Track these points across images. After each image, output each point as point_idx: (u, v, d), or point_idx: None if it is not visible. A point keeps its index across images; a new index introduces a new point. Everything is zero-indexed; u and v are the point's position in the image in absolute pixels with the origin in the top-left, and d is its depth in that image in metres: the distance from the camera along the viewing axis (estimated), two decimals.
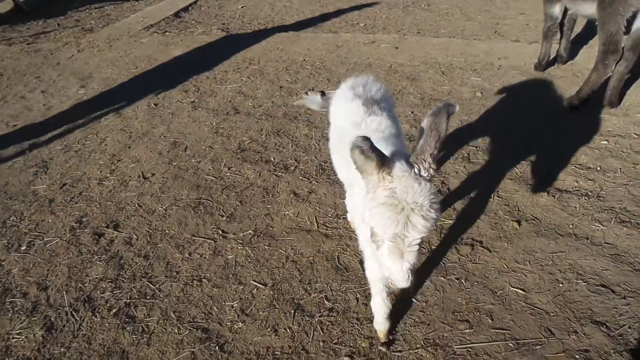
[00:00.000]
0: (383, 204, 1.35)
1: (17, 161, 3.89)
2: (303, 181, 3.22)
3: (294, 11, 7.33)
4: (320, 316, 2.26)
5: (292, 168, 3.39)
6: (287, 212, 2.95)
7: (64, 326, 2.35)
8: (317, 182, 3.21)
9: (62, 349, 2.23)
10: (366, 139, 1.35)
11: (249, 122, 4.07)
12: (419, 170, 1.41)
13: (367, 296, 2.30)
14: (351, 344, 2.12)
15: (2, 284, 2.64)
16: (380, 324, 2.05)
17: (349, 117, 1.99)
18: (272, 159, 3.53)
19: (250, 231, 2.83)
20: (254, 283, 2.48)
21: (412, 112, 3.96)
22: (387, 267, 1.42)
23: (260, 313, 2.30)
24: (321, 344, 2.13)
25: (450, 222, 2.76)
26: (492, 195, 2.93)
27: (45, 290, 2.57)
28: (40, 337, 2.29)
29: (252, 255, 2.66)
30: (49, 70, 5.77)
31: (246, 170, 3.41)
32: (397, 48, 5.23)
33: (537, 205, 2.83)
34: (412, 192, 1.35)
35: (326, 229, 2.78)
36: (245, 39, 6.06)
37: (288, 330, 2.21)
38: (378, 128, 1.88)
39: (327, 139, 3.73)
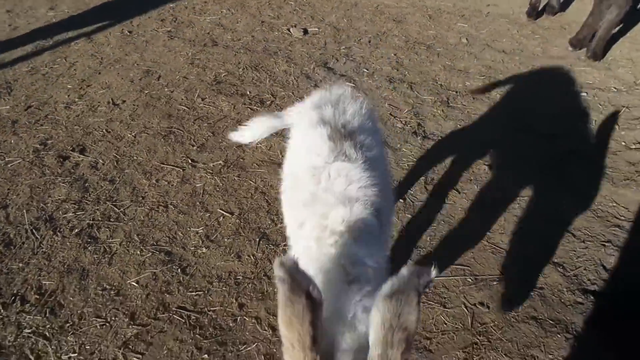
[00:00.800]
0: None
1: None
2: None
3: None
4: (284, 245, 2.25)
5: (268, 103, 3.30)
6: (260, 145, 2.89)
7: (22, 243, 2.30)
8: None
9: (20, 265, 2.19)
10: (294, 266, 0.83)
11: (226, 55, 3.91)
12: None
13: None
14: None
15: None
16: None
17: (306, 154, 1.37)
18: (248, 92, 3.42)
19: (220, 162, 2.77)
20: (221, 211, 2.45)
21: (394, 55, 3.86)
22: None
23: (225, 240, 2.29)
24: None
25: (423, 164, 2.75)
26: (468, 140, 2.92)
27: (5, 209, 2.50)
28: None
29: (221, 185, 2.62)
30: None
31: (220, 102, 3.31)
32: None
33: None
34: None
35: None
36: None
37: (252, 257, 2.21)
38: (344, 193, 1.22)
39: (307, 77, 3.65)
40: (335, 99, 1.52)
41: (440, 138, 2.94)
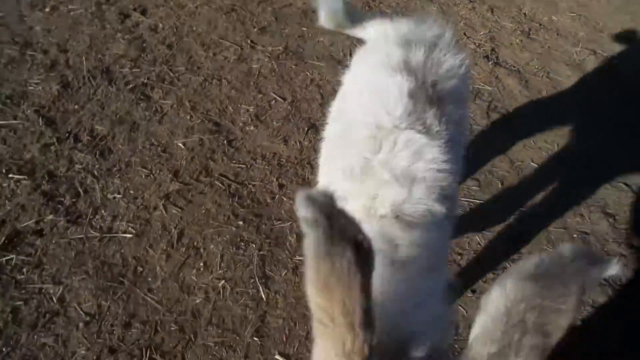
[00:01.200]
0: None
1: None
2: None
3: None
4: None
5: None
6: (322, 39, 2.76)
7: (79, 88, 2.33)
8: None
9: (76, 107, 2.23)
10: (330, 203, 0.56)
11: None
12: None
13: None
14: None
15: (23, 37, 2.57)
16: None
17: (371, 104, 1.03)
18: None
19: (280, 47, 2.68)
20: (274, 95, 2.40)
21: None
22: None
23: (274, 123, 2.26)
24: None
25: (490, 89, 2.60)
26: (542, 74, 2.72)
27: (65, 53, 2.51)
28: (56, 92, 2.29)
29: (277, 70, 2.55)
30: None
31: None
32: None
33: None
34: None
35: None
36: None
37: (298, 143, 2.18)
38: (407, 170, 0.94)
39: None
40: (431, 41, 1.10)
41: (513, 68, 2.75)
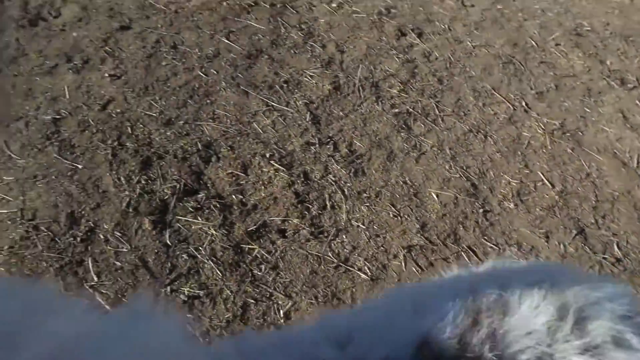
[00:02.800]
0: None
1: None
2: None
3: None
4: (604, 256, 1.86)
5: (630, 86, 2.69)
6: (607, 129, 2.38)
7: (348, 94, 2.29)
8: None
9: (341, 113, 2.20)
10: None
11: (596, 7, 3.27)
12: None
13: None
14: None
15: (308, 26, 2.63)
16: None
17: None
18: (608, 62, 2.83)
19: (556, 122, 2.38)
20: (541, 176, 2.12)
21: None
22: None
23: (537, 209, 1.98)
24: None
25: None
26: None
27: (342, 54, 2.51)
28: (327, 91, 2.28)
29: (550, 148, 2.25)
30: None
31: (574, 57, 2.80)
32: None
33: None
34: None
35: None
36: None
37: (562, 246, 1.87)
38: None
39: None
40: None
41: None
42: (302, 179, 1.89)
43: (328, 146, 2.03)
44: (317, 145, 2.02)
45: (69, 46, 2.27)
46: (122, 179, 1.78)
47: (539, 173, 2.12)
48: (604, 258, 1.83)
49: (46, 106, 1.99)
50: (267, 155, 1.94)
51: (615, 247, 1.89)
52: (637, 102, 2.56)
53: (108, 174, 1.78)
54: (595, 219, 1.98)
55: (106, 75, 2.16)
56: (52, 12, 2.47)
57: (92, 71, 2.18)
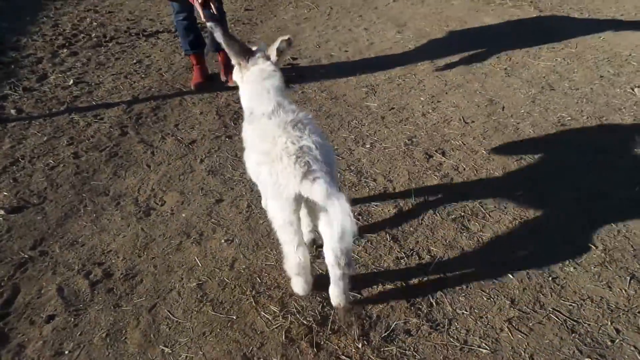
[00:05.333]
0: None
1: (351, 80, 4.65)
2: None
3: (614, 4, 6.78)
4: None
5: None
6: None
7: (408, 212, 2.87)
8: None
9: (411, 229, 2.75)
10: None
11: (567, 101, 4.08)
12: None
13: None
14: None
15: (356, 167, 3.31)
16: None
17: None
18: (595, 140, 3.52)
19: (574, 193, 2.95)
20: (584, 242, 2.62)
21: None
22: None
23: (592, 267, 2.45)
24: None
25: None
26: None
27: (391, 182, 3.15)
28: (393, 214, 2.86)
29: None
30: (369, 12, 6.58)
31: (568, 144, 3.49)
32: None
33: None
34: None
35: None
36: (559, 21, 5.91)
37: (623, 291, 2.32)
38: None
39: None
40: None
41: None
42: (405, 287, 2.37)
43: (413, 256, 2.55)
44: (404, 258, 2.53)
45: (184, 225, 2.87)
46: (269, 318, 2.24)
47: (583, 240, 2.63)
48: None
49: (187, 276, 2.51)
50: (372, 275, 2.44)
51: None
52: None
53: (258, 317, 2.25)
54: (638, 263, 2.46)
55: (222, 241, 2.73)
56: (158, 202, 3.11)
57: (210, 240, 2.75)
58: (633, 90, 4.22)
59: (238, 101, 4.07)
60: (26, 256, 2.65)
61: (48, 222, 2.90)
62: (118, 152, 3.55)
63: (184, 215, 2.95)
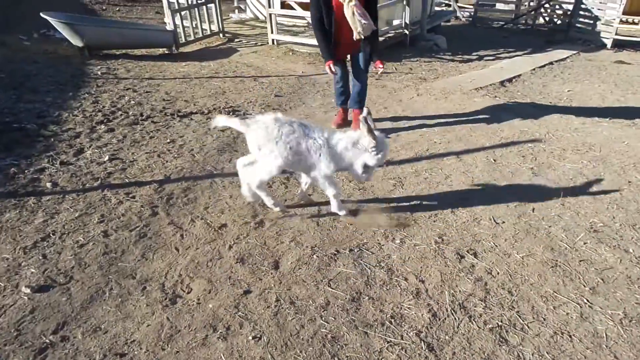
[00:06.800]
0: (381, 156, 3.39)
1: (378, 171, 4.72)
2: None
3: (630, 105, 6.99)
4: None
5: None
6: None
7: (445, 319, 2.76)
8: None
9: (446, 337, 2.63)
10: None
11: (598, 207, 4.06)
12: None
13: None
14: None
15: (386, 264, 3.26)
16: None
17: None
18: (631, 250, 3.45)
19: (619, 312, 2.83)
20: None
21: None
22: (370, 177, 3.53)
23: None
24: None
25: None
26: None
27: (423, 283, 3.07)
28: (427, 319, 2.75)
29: (625, 337, 2.66)
30: (394, 104, 6.83)
31: (603, 251, 3.42)
32: None
33: None
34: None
35: None
36: (581, 123, 6.07)
37: None
38: None
39: None
40: None
41: None
42: None
43: None
44: None
45: (210, 317, 2.78)
46: None
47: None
48: None
49: None
50: None
51: None
52: None
53: None
54: None
55: (250, 337, 2.63)
56: (184, 289, 3.05)
57: (236, 336, 2.65)
58: None
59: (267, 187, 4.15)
60: (47, 341, 2.57)
61: (72, 304, 2.84)
62: (147, 233, 3.56)
63: (210, 306, 2.87)
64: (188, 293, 3.00)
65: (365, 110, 3.37)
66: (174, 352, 2.54)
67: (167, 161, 4.78)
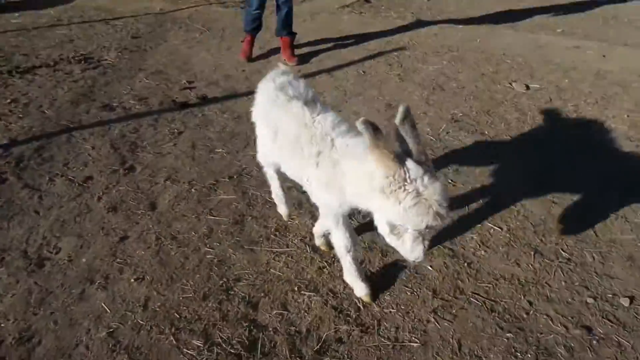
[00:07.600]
0: (413, 205, 1.57)
1: (251, 97, 4.59)
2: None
3: (481, 9, 7.48)
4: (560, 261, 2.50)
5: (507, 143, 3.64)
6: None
7: None
8: None
9: None
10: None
11: (456, 100, 4.38)
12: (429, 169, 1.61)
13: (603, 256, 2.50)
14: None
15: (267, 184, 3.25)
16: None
17: None
18: (486, 132, 3.81)
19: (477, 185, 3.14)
20: (490, 225, 2.78)
21: (627, 116, 3.99)
22: (408, 249, 1.71)
23: (500, 248, 2.61)
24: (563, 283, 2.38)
25: None
26: None
27: (304, 194, 3.12)
28: (310, 224, 2.82)
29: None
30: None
31: (464, 138, 3.73)
32: (604, 56, 5.20)
33: None
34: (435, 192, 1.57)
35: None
36: (440, 28, 6.39)
37: (530, 266, 2.48)
38: None
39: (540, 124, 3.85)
40: None
41: None
42: (332, 295, 2.33)
43: (335, 264, 2.52)
44: (327, 267, 2.50)
45: (85, 271, 2.59)
46: (193, 354, 2.07)
47: (488, 224, 2.79)
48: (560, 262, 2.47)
49: (95, 326, 2.25)
50: (296, 288, 2.37)
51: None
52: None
53: (181, 355, 2.07)
54: (540, 239, 2.66)
55: (131, 281, 2.50)
56: (51, 250, 2.79)
57: (117, 282, 2.50)
58: (511, 84, 4.64)
59: (134, 131, 3.85)
60: None
61: None
62: None
63: (84, 260, 2.66)
64: (56, 253, 2.74)
65: (401, 107, 1.65)
66: (48, 315, 2.33)
67: (10, 123, 4.19)
